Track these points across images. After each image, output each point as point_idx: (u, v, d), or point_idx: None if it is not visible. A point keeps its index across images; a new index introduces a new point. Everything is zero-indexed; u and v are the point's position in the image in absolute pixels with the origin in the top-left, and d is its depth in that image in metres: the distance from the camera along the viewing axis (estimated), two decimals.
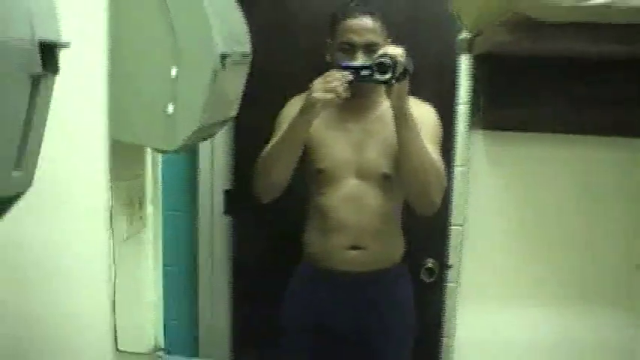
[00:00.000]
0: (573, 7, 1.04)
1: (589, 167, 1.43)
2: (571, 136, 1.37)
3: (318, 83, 2.09)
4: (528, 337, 1.55)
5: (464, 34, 1.38)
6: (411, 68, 1.94)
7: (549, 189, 1.45)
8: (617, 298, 1.49)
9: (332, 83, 2.05)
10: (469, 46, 1.29)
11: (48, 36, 0.98)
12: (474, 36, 1.26)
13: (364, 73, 1.96)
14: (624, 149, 1.39)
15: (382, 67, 1.93)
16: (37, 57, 0.95)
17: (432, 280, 2.55)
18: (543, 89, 1.33)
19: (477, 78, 1.40)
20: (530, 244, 1.48)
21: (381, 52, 1.97)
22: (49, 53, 0.99)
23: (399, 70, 1.93)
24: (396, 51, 1.95)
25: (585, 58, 1.23)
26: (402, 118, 2.02)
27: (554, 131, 1.36)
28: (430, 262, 2.56)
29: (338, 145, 2.29)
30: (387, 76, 1.93)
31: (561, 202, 1.45)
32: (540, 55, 1.23)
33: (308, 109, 2.12)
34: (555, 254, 1.48)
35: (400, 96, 1.98)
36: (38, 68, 0.95)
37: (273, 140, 2.30)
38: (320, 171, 2.28)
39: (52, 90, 1.05)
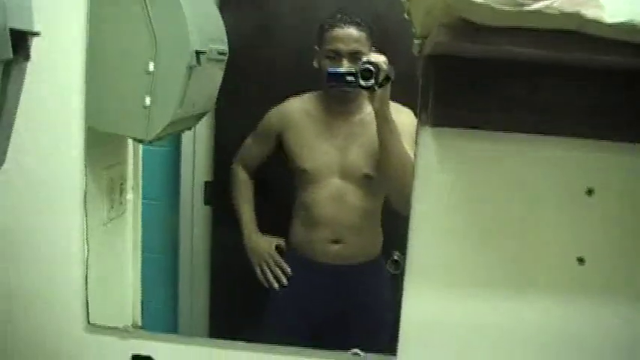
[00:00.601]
0: (507, 11, 1.09)
1: (531, 164, 1.47)
2: (513, 134, 1.41)
3: (269, 257, 2.42)
4: (472, 322, 1.59)
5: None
6: (392, 75, 1.99)
7: (494, 184, 1.49)
8: (559, 288, 1.53)
9: (274, 270, 2.40)
10: (419, 48, 1.33)
11: (20, 24, 1.03)
12: (424, 39, 1.30)
13: (349, 78, 2.01)
14: (564, 147, 1.43)
15: (366, 74, 1.97)
16: (8, 43, 0.99)
17: (397, 271, 2.60)
18: (486, 90, 1.36)
19: (425, 78, 1.43)
20: (475, 234, 1.52)
21: (364, 59, 2.01)
22: (20, 40, 1.03)
23: (382, 76, 1.98)
24: (379, 58, 2.00)
25: (527, 62, 1.27)
26: (383, 121, 2.07)
27: (496, 129, 1.40)
28: (396, 255, 2.61)
29: (322, 147, 2.34)
30: (371, 82, 1.97)
31: (506, 195, 1.49)
32: (484, 58, 1.27)
33: (248, 248, 2.43)
34: (499, 244, 1.52)
35: (382, 101, 2.03)
36: (9, 54, 0.99)
37: (249, 141, 2.43)
38: (304, 171, 2.33)
39: (23, 76, 1.10)
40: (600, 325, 1.54)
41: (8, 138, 1.10)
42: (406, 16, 1.34)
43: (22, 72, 1.09)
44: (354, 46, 2.21)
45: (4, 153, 1.10)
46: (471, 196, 1.50)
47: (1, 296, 1.55)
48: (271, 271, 2.40)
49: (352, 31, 2.23)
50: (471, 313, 1.57)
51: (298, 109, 2.39)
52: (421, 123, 1.47)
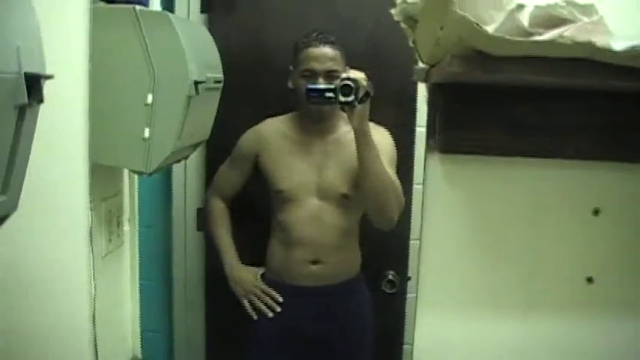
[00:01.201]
0: (519, 42, 1.09)
1: (538, 186, 1.47)
2: (520, 158, 1.41)
3: (255, 288, 2.39)
4: (483, 343, 1.58)
5: (421, 64, 1.41)
6: (372, 91, 1.98)
7: (502, 206, 1.49)
8: (570, 308, 1.53)
9: (263, 299, 2.37)
10: (426, 76, 1.33)
11: (33, 68, 1.01)
12: (430, 66, 1.30)
13: (329, 95, 1.99)
14: (571, 168, 1.44)
15: (346, 90, 1.96)
16: (24, 88, 0.97)
17: (393, 291, 2.60)
18: (494, 115, 1.36)
19: (432, 105, 1.43)
20: (485, 257, 1.52)
21: (344, 75, 2.00)
22: (34, 84, 1.01)
23: (362, 92, 1.97)
24: (359, 74, 1.99)
25: (534, 86, 1.28)
26: (362, 137, 2.05)
27: (504, 155, 1.40)
28: (391, 275, 2.61)
29: (299, 167, 2.33)
30: (350, 98, 1.96)
31: (513, 218, 1.49)
32: (491, 84, 1.27)
33: (230, 279, 2.41)
34: (509, 265, 1.52)
35: (362, 117, 2.02)
36: (24, 99, 0.97)
37: (225, 168, 2.47)
38: (282, 191, 2.32)
39: (36, 118, 1.07)
40: (610, 343, 1.54)
41: (21, 184, 1.08)
42: (411, 44, 1.34)
43: (35, 115, 1.06)
44: (329, 65, 2.21)
45: (18, 198, 1.07)
46: (479, 219, 1.49)
47: (2, 332, 1.52)
48: (262, 302, 2.36)
49: (327, 50, 2.22)
50: (483, 333, 1.56)
51: (274, 131, 2.38)
52: (429, 149, 1.46)
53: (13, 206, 1.06)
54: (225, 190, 2.47)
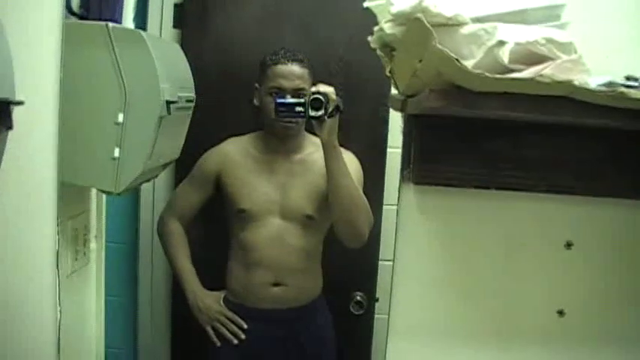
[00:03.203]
0: (499, 79, 1.08)
1: (511, 219, 1.46)
2: (494, 191, 1.40)
3: (219, 315, 2.31)
4: None
5: (396, 92, 1.39)
6: (341, 105, 1.97)
7: (475, 238, 1.47)
8: (541, 341, 1.52)
9: (228, 326, 2.31)
10: (402, 106, 1.31)
11: (3, 94, 0.97)
12: (407, 97, 1.28)
13: (299, 109, 1.97)
14: (545, 202, 1.43)
15: (316, 104, 1.94)
16: None
17: (360, 312, 2.57)
18: (469, 148, 1.35)
19: (407, 135, 1.41)
20: (458, 288, 1.50)
21: (313, 89, 1.98)
22: (3, 110, 0.97)
23: (332, 106, 1.95)
24: (328, 89, 1.97)
25: (509, 120, 1.27)
26: (332, 152, 2.03)
27: (478, 187, 1.39)
28: (359, 296, 2.58)
29: (262, 186, 2.28)
30: (320, 112, 1.95)
31: (486, 250, 1.48)
32: (468, 117, 1.26)
33: (193, 307, 2.33)
34: (481, 297, 1.50)
35: (331, 131, 2.00)
36: None
37: (184, 187, 2.39)
38: (243, 211, 2.26)
39: (4, 144, 1.03)
40: None
41: None
42: (388, 74, 1.32)
43: (3, 141, 1.02)
44: (297, 83, 2.18)
45: None
46: (453, 250, 1.48)
47: None
48: (227, 329, 2.30)
49: (295, 67, 2.20)
50: None
51: (237, 149, 2.33)
52: (403, 180, 1.44)
53: None
54: (182, 210, 2.39)
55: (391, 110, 1.99)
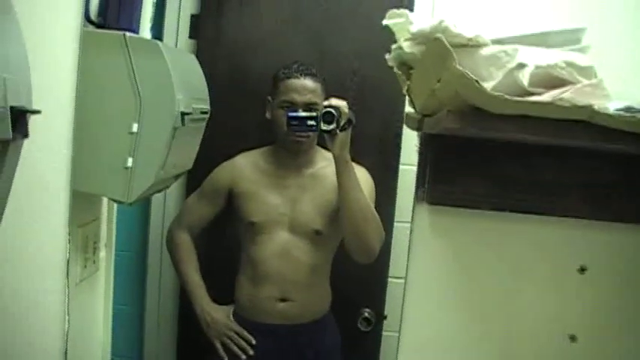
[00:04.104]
0: (518, 101, 1.07)
1: (524, 242, 1.45)
2: (508, 213, 1.39)
3: (228, 330, 2.28)
4: None
5: (412, 110, 1.39)
6: (354, 119, 1.96)
7: (488, 260, 1.46)
8: None
9: (237, 341, 2.27)
10: (418, 125, 1.30)
11: (20, 102, 0.96)
12: (423, 116, 1.27)
13: (311, 123, 1.96)
14: (558, 226, 1.42)
15: (328, 117, 1.93)
16: (8, 123, 0.93)
17: (368, 329, 2.55)
18: (484, 170, 1.35)
19: (423, 155, 1.40)
20: (468, 310, 1.49)
21: (326, 103, 1.97)
22: (19, 118, 0.96)
23: (344, 120, 1.94)
24: (341, 102, 1.96)
25: (524, 142, 1.26)
26: (343, 166, 2.02)
27: (492, 209, 1.38)
28: (367, 312, 2.56)
29: (272, 199, 2.27)
30: (332, 126, 1.94)
31: (499, 271, 1.46)
32: (483, 138, 1.25)
33: (202, 321, 2.30)
34: (492, 320, 1.49)
35: (343, 145, 1.98)
36: (8, 134, 0.93)
37: (194, 200, 2.37)
38: (252, 224, 2.24)
39: (19, 152, 1.03)
40: None
41: (1, 216, 1.03)
42: (405, 92, 1.31)
43: (19, 149, 1.02)
44: (309, 97, 2.17)
45: None
46: (464, 272, 1.47)
47: None
48: (235, 344, 2.28)
49: (308, 82, 2.19)
50: None
51: (249, 163, 2.32)
52: (417, 199, 1.43)
53: None
54: (192, 223, 2.37)
55: (404, 126, 1.98)
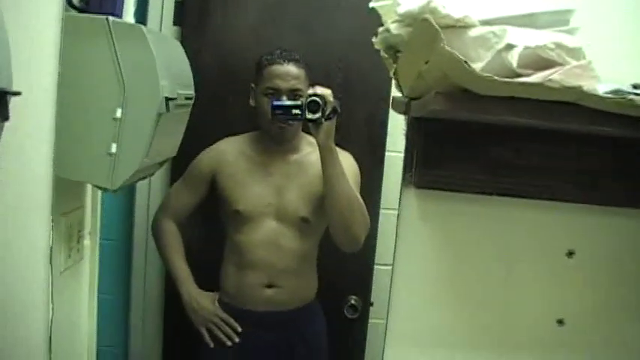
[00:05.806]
0: (507, 83, 1.05)
1: (512, 226, 1.44)
2: (496, 197, 1.38)
3: (214, 317, 2.27)
4: None
5: (398, 94, 1.37)
6: (339, 108, 1.93)
7: (475, 244, 1.46)
8: (539, 348, 1.50)
9: (223, 328, 2.27)
10: (406, 108, 1.29)
11: (0, 84, 0.94)
12: (410, 99, 1.25)
13: (295, 111, 1.93)
14: (546, 210, 1.41)
15: (313, 106, 1.90)
16: None
17: (355, 316, 2.55)
18: (471, 153, 1.33)
19: (410, 139, 1.38)
20: (457, 296, 1.49)
21: (310, 91, 1.95)
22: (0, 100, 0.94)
23: (329, 108, 1.91)
24: (325, 91, 1.94)
25: (512, 126, 1.24)
26: (328, 154, 2.00)
27: (480, 193, 1.37)
28: (353, 300, 2.55)
29: (257, 187, 2.25)
30: (318, 114, 1.91)
31: (486, 257, 1.46)
32: (471, 121, 1.24)
33: (188, 308, 2.29)
34: (481, 305, 1.48)
35: (328, 134, 1.96)
36: None
37: (179, 187, 2.36)
38: (238, 212, 2.23)
39: (0, 134, 1.00)
40: None
41: None
42: (392, 75, 1.29)
43: None
44: (293, 83, 2.15)
45: None
46: (453, 257, 1.46)
47: None
48: (221, 331, 2.26)
49: (291, 67, 2.16)
50: None
51: (233, 149, 2.30)
52: (405, 183, 1.41)
53: None
54: (177, 210, 2.35)
55: (390, 113, 1.96)
